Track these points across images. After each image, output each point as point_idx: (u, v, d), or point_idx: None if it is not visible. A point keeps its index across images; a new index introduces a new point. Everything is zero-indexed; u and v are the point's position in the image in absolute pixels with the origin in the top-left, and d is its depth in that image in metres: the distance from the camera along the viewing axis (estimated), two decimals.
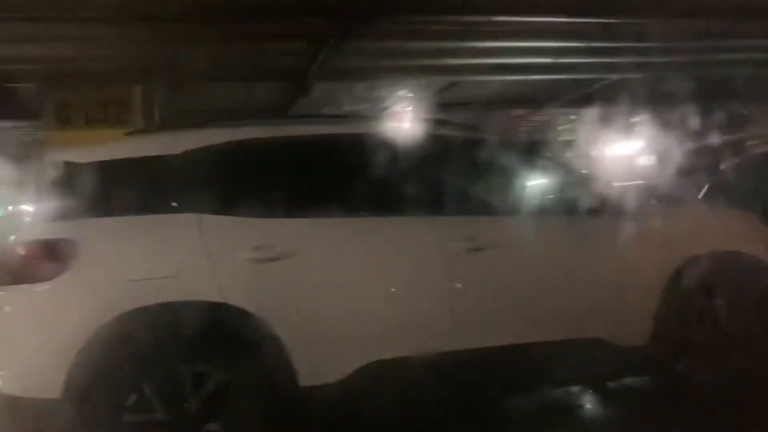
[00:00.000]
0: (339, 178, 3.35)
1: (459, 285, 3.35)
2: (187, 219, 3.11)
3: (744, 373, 3.75)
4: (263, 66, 6.14)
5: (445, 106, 10.46)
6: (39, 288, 2.92)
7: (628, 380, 3.91)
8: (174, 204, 3.18)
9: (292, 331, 3.07)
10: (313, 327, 3.11)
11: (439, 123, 3.85)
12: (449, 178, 3.43)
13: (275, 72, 6.39)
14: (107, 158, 3.21)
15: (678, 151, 6.19)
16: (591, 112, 9.08)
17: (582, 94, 10.78)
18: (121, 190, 3.17)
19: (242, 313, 3.02)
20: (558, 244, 3.56)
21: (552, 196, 3.74)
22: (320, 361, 3.12)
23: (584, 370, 3.59)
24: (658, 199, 4.11)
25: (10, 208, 3.61)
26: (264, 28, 5.35)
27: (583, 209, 3.57)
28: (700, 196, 5.69)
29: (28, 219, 3.25)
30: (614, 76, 9.28)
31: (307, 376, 3.10)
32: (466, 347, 3.34)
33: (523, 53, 8.50)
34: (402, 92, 10.23)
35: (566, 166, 3.78)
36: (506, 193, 3.57)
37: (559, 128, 12.59)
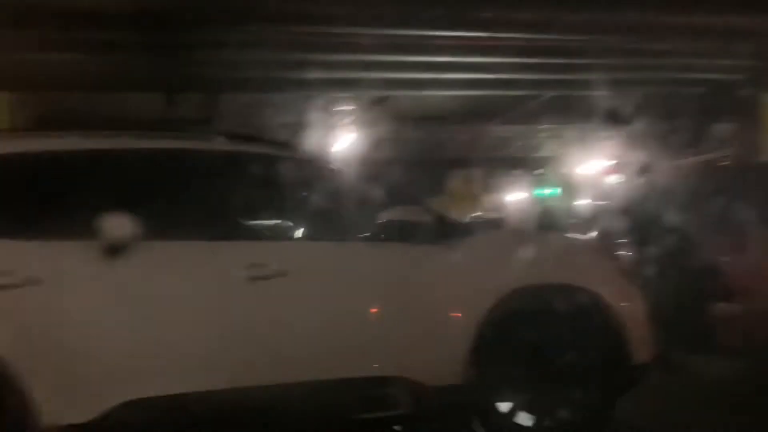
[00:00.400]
0: (102, 196, 3.06)
1: (238, 316, 3.06)
2: None
3: (567, 416, 3.48)
4: (125, 76, 5.89)
5: (380, 120, 10.29)
6: None
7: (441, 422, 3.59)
8: None
9: (32, 367, 2.78)
10: (58, 362, 2.82)
11: (236, 138, 3.54)
12: (232, 198, 3.16)
13: (136, 82, 6.15)
14: None
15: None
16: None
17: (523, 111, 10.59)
18: None
19: None
20: (359, 273, 3.29)
21: (357, 220, 3.45)
22: (66, 400, 2.83)
23: (386, 410, 3.28)
24: (494, 225, 3.84)
25: None
26: (128, 38, 5.12)
27: (392, 234, 3.30)
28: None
29: None
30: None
31: (50, 417, 2.81)
32: (247, 384, 3.05)
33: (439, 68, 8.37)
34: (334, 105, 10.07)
35: (376, 186, 3.48)
36: (302, 215, 3.30)
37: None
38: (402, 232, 3.30)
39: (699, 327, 4.50)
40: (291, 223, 3.33)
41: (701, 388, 4.72)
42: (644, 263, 4.96)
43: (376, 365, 3.24)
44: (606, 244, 4.09)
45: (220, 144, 3.38)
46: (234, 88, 8.67)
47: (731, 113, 7.47)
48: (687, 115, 7.77)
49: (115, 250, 2.86)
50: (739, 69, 6.97)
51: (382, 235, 3.31)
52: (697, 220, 4.72)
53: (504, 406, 3.46)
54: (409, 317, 3.29)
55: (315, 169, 3.40)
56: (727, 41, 6.35)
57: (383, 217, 3.30)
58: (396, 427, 3.45)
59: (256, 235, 3.21)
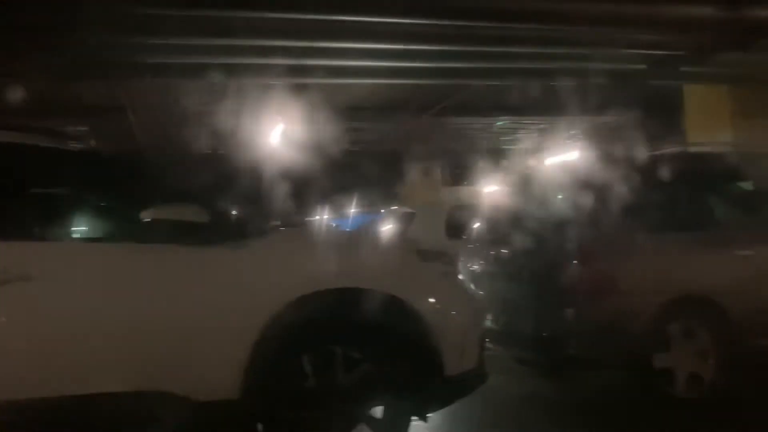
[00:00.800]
0: None
1: None
2: None
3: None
4: None
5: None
6: None
7: None
8: None
9: None
10: None
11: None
12: None
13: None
14: None
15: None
16: None
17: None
18: None
19: None
20: (117, 277, 2.97)
21: (119, 219, 3.15)
22: None
23: (145, 428, 2.98)
24: (282, 224, 3.53)
25: None
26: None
27: (159, 235, 3.00)
28: None
29: None
30: None
31: None
32: None
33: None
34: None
35: (152, 182, 3.18)
36: (57, 212, 2.98)
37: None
38: (171, 233, 3.00)
39: (545, 334, 4.22)
40: (43, 221, 3.00)
41: (537, 398, 4.46)
42: (494, 266, 4.70)
43: (134, 379, 2.93)
44: (432, 247, 3.78)
45: None
46: (140, 74, 8.26)
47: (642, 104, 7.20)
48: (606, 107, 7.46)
49: None
50: (644, 59, 6.64)
51: (148, 236, 3.00)
52: (560, 221, 4.43)
53: (289, 423, 3.16)
54: (174, 326, 2.98)
55: (80, 161, 3.08)
56: (633, 30, 6.02)
57: (149, 216, 3.00)
58: None
59: None
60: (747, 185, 4.81)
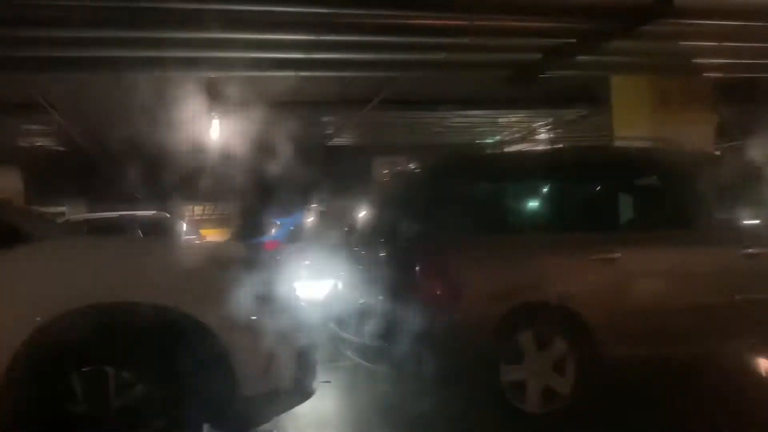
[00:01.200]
0: None
1: None
2: None
3: None
4: None
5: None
6: None
7: None
8: None
9: None
10: None
11: None
12: None
13: None
14: None
15: None
16: None
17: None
18: None
19: None
20: None
21: None
22: None
23: None
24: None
25: None
26: None
27: None
28: None
29: None
30: None
31: None
32: None
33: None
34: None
35: None
36: None
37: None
38: None
39: (382, 345, 3.93)
40: None
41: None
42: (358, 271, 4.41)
43: None
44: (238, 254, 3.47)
45: None
46: (56, 69, 7.92)
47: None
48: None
49: None
50: (539, 48, 6.29)
51: None
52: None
53: None
54: None
55: None
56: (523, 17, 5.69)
57: None
58: None
59: None
60: (619, 183, 4.51)
